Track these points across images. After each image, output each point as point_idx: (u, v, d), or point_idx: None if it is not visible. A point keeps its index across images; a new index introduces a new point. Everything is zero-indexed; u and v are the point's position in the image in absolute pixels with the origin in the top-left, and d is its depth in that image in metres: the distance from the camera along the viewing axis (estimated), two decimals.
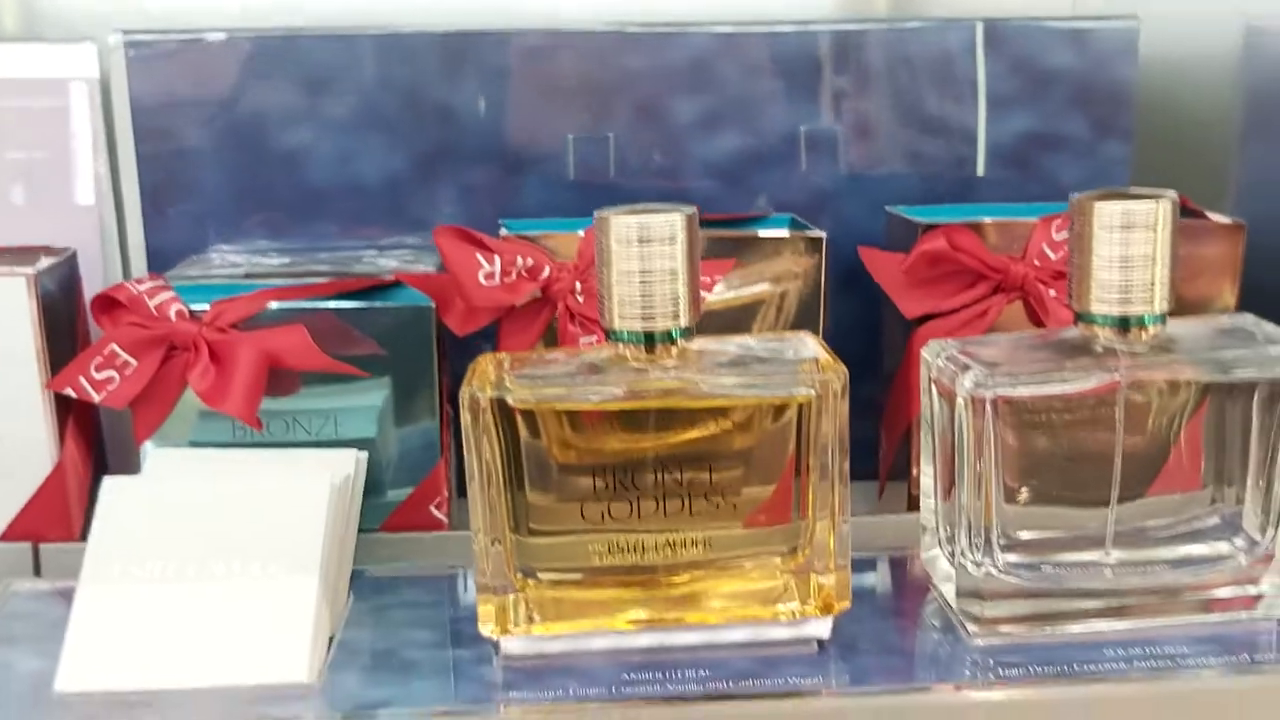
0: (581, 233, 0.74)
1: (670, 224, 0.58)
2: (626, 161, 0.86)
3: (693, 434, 0.61)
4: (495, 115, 0.86)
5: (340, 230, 0.87)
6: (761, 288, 0.77)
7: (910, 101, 0.87)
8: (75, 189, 0.88)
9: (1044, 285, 0.75)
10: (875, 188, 0.88)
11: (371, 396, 0.75)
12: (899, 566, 0.73)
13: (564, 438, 0.61)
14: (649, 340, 0.60)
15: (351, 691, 0.59)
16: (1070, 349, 0.62)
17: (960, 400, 0.60)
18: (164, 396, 0.74)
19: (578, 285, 0.73)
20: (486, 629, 0.61)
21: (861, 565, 0.69)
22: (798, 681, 0.59)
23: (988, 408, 0.60)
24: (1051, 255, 0.75)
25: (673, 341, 0.60)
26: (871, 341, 0.85)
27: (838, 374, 0.60)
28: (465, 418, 0.59)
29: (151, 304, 0.73)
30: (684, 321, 0.60)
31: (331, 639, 0.64)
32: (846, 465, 0.61)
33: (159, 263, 0.84)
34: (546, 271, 0.72)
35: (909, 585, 0.71)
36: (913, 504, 0.79)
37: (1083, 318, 0.62)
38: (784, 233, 0.77)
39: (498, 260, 0.71)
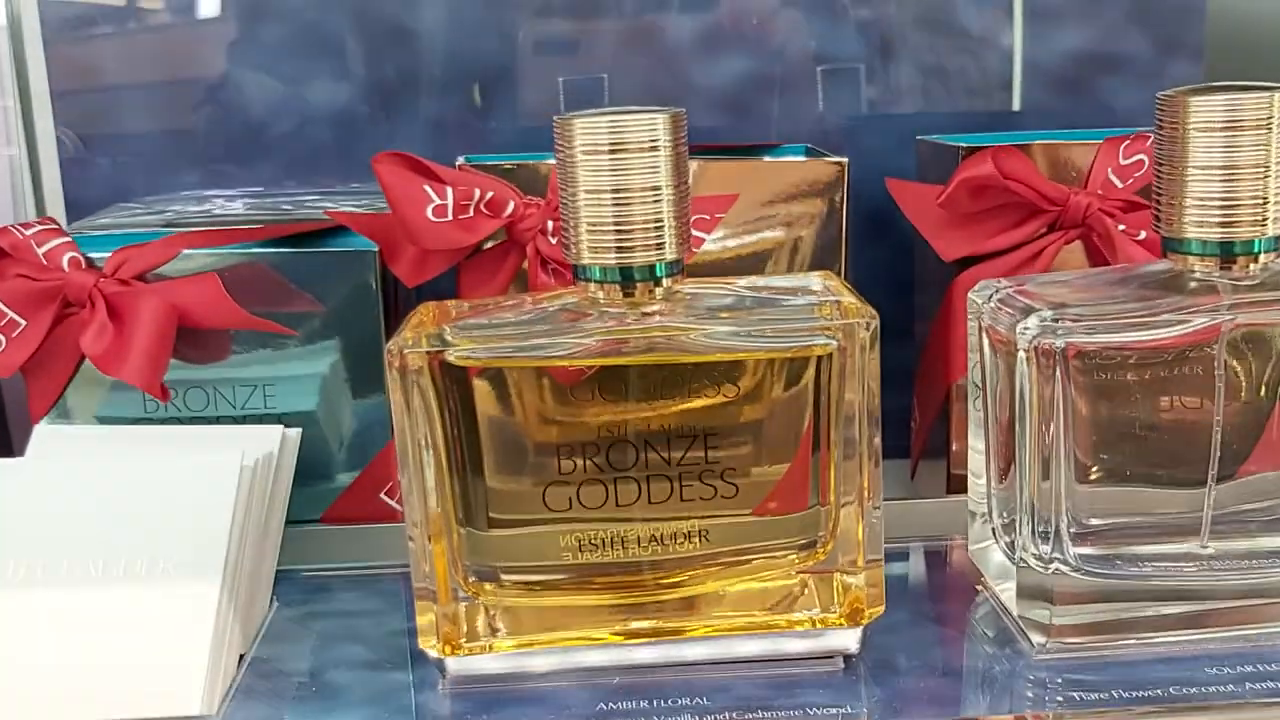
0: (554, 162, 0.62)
1: (650, 126, 0.45)
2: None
3: (685, 405, 0.49)
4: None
5: (287, 175, 0.76)
6: (769, 234, 0.64)
7: (941, 19, 0.75)
8: None
9: (1111, 219, 0.62)
10: (899, 122, 0.76)
11: (309, 363, 0.64)
12: (937, 560, 0.61)
13: (539, 403, 0.48)
14: (626, 278, 0.47)
15: None
16: (1158, 285, 0.49)
17: (1021, 353, 0.48)
18: (60, 362, 0.63)
19: (549, 224, 0.61)
20: (427, 645, 0.49)
21: (892, 559, 0.57)
22: (819, 711, 0.47)
23: (1057, 360, 0.47)
24: (1118, 183, 0.63)
25: (657, 280, 0.47)
26: (901, 303, 0.74)
27: (866, 319, 0.47)
28: (392, 379, 0.47)
29: (40, 251, 0.61)
30: (670, 254, 0.47)
31: (242, 658, 0.52)
32: (878, 438, 0.49)
33: (79, 218, 0.74)
34: (510, 207, 0.60)
35: (951, 584, 0.59)
36: (953, 486, 0.67)
37: (1174, 246, 0.49)
38: (800, 159, 0.64)
39: (450, 193, 0.59)
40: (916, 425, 0.72)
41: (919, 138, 0.73)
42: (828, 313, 0.48)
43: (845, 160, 0.63)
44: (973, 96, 0.77)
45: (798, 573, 0.51)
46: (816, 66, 0.76)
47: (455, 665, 0.50)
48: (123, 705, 0.48)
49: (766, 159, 0.65)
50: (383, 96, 0.75)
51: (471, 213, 0.60)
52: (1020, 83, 0.77)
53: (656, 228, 0.47)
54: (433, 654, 0.49)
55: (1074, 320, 0.48)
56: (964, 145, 0.65)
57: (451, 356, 0.47)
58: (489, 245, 0.62)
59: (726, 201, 0.62)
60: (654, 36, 0.75)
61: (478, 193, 0.60)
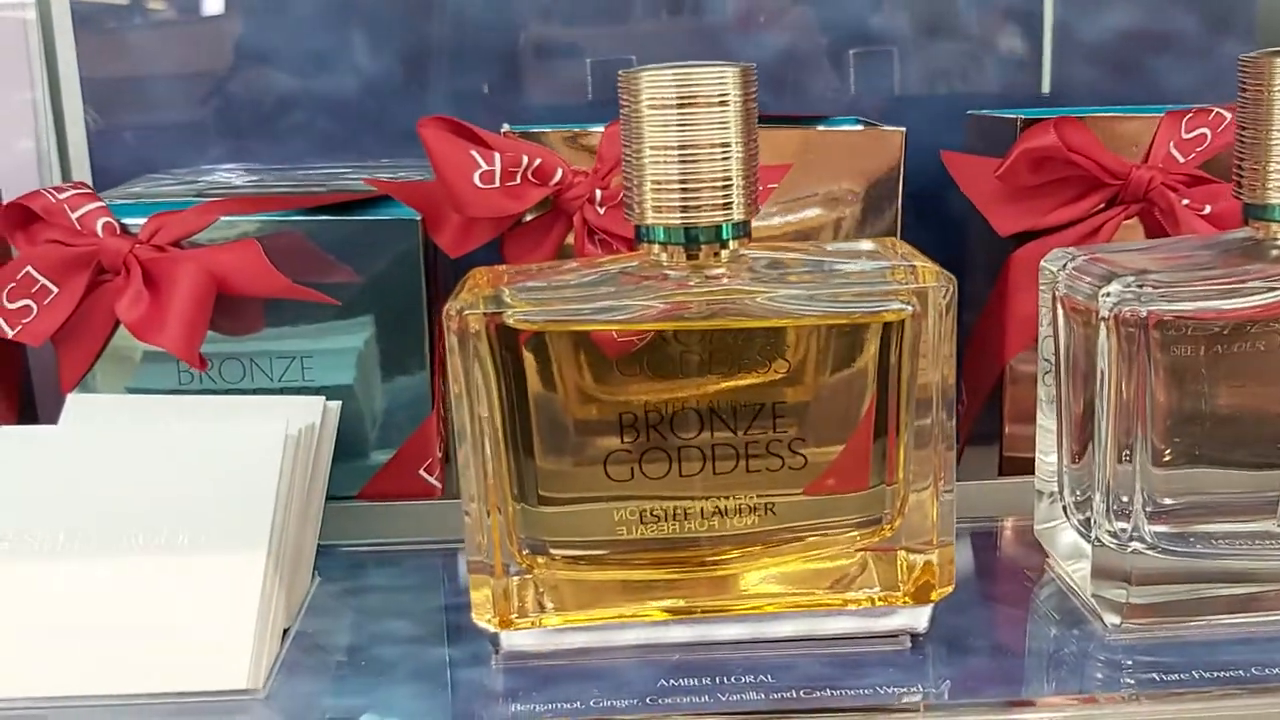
0: (602, 129, 0.60)
1: (720, 80, 0.44)
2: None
3: (735, 382, 0.47)
4: None
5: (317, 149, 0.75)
6: (820, 208, 0.62)
7: None
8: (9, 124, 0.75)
9: (1174, 193, 0.60)
10: (931, 103, 0.75)
11: (348, 336, 0.62)
12: (987, 542, 0.60)
13: (583, 378, 0.47)
14: (691, 240, 0.45)
15: (306, 701, 0.46)
16: (1239, 254, 0.47)
17: (1104, 324, 0.46)
18: (92, 331, 0.61)
19: (598, 194, 0.59)
20: (482, 619, 0.47)
21: None
22: (887, 691, 0.45)
23: (1141, 330, 0.46)
24: (1180, 158, 0.61)
25: (723, 243, 0.46)
26: None
27: (942, 284, 0.46)
28: (451, 342, 0.45)
29: (74, 216, 0.60)
30: (738, 215, 0.45)
31: (286, 632, 0.50)
32: (953, 420, 0.47)
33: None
34: (558, 175, 0.58)
35: (1011, 566, 0.57)
36: (1007, 470, 0.65)
37: (1256, 213, 0.48)
38: (856, 128, 0.63)
39: (497, 159, 0.57)
40: (964, 408, 0.70)
41: (970, 112, 0.71)
42: (901, 277, 0.46)
43: (903, 130, 0.61)
44: (1002, 77, 0.75)
45: (858, 550, 0.49)
46: (848, 49, 0.75)
47: (509, 640, 0.48)
48: (168, 678, 0.46)
49: (820, 128, 0.63)
50: (410, 72, 0.73)
51: (519, 180, 0.58)
52: (1050, 63, 0.75)
53: (724, 187, 0.45)
54: (488, 629, 0.48)
55: (1157, 286, 0.46)
56: (1022, 117, 0.63)
57: (510, 319, 0.45)
58: (532, 216, 0.61)
59: (779, 172, 0.61)
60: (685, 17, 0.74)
61: (525, 159, 0.58)
